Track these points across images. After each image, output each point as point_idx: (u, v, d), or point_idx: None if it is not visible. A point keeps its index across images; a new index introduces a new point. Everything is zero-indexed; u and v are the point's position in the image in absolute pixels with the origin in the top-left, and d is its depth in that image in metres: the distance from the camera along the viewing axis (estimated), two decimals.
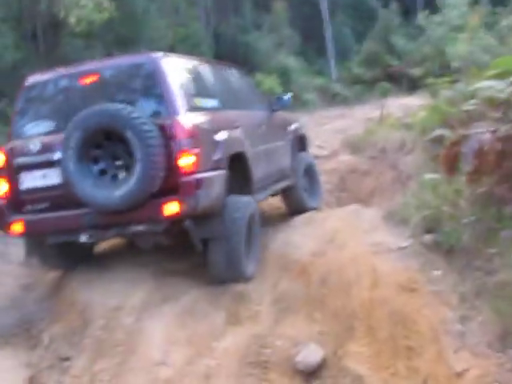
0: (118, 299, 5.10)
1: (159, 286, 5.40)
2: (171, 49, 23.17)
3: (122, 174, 4.82)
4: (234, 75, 6.96)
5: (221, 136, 5.31)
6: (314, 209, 7.73)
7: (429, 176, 6.01)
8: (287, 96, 7.60)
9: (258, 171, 6.03)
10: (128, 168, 4.76)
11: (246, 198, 5.56)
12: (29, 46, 17.07)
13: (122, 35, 19.42)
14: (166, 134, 4.76)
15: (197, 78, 5.67)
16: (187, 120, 4.92)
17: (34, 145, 5.08)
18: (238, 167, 5.57)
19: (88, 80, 5.17)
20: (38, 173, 5.07)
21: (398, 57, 27.74)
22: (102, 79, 5.18)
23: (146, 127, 4.64)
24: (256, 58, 25.81)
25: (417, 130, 10.71)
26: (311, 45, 31.29)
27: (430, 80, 10.41)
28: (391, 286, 4.63)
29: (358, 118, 19.60)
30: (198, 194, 4.77)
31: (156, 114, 4.90)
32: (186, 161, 4.78)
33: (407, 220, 6.14)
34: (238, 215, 5.25)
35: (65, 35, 17.29)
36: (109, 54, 18.54)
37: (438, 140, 7.42)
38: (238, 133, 5.73)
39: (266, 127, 6.82)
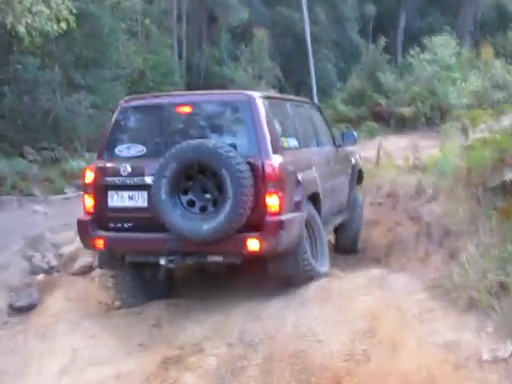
0: None
1: None
2: (141, 76, 21.61)
3: (210, 208, 5.09)
4: (307, 111, 7.10)
5: (301, 177, 5.50)
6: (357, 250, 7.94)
7: None
8: (353, 133, 7.82)
9: (324, 207, 6.22)
10: (216, 202, 5.05)
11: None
12: None
13: (84, 57, 17.59)
14: (256, 174, 5.01)
15: (282, 116, 5.90)
16: (277, 162, 5.13)
17: (125, 167, 5.34)
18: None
19: (184, 110, 5.51)
20: (125, 194, 5.35)
21: (385, 95, 26.62)
22: (197, 112, 5.55)
23: (240, 167, 4.89)
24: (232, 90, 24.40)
25: (434, 174, 9.26)
26: (292, 79, 30.10)
27: (461, 112, 8.67)
28: None
29: None
30: (281, 234, 5.01)
31: (246, 153, 5.09)
32: (272, 202, 5.03)
33: (481, 303, 4.29)
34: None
35: (16, 53, 15.32)
36: (68, 77, 16.83)
37: (500, 187, 5.66)
38: (313, 172, 5.93)
39: (332, 163, 7.01)
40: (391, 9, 39.48)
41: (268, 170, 5.02)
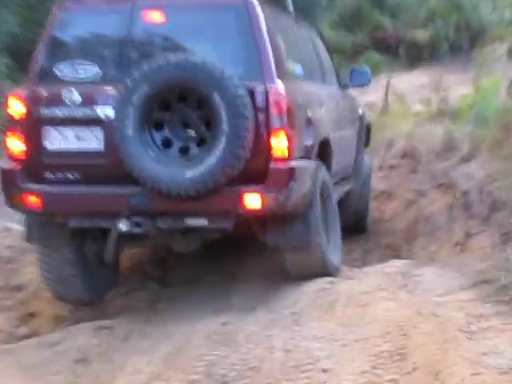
0: None
1: None
2: None
3: (193, 148, 5.27)
4: (308, 33, 7.43)
5: (312, 115, 5.77)
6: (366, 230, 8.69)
7: None
8: (366, 70, 8.10)
9: (334, 165, 6.53)
10: (202, 141, 5.24)
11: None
12: None
13: None
14: (257, 105, 5.17)
15: (286, 34, 6.10)
16: (284, 89, 5.27)
17: (70, 94, 5.39)
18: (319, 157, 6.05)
19: (154, 17, 5.66)
20: (70, 132, 5.44)
21: (390, 14, 26.67)
22: (173, 19, 5.68)
23: (239, 92, 5.01)
24: None
25: (470, 121, 9.46)
26: None
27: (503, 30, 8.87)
28: None
29: None
30: (291, 186, 5.21)
31: (242, 76, 5.21)
32: (279, 142, 5.17)
33: None
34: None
35: None
36: None
37: None
38: (323, 112, 6.27)
39: (340, 109, 7.39)
40: None
41: (273, 98, 5.17)
